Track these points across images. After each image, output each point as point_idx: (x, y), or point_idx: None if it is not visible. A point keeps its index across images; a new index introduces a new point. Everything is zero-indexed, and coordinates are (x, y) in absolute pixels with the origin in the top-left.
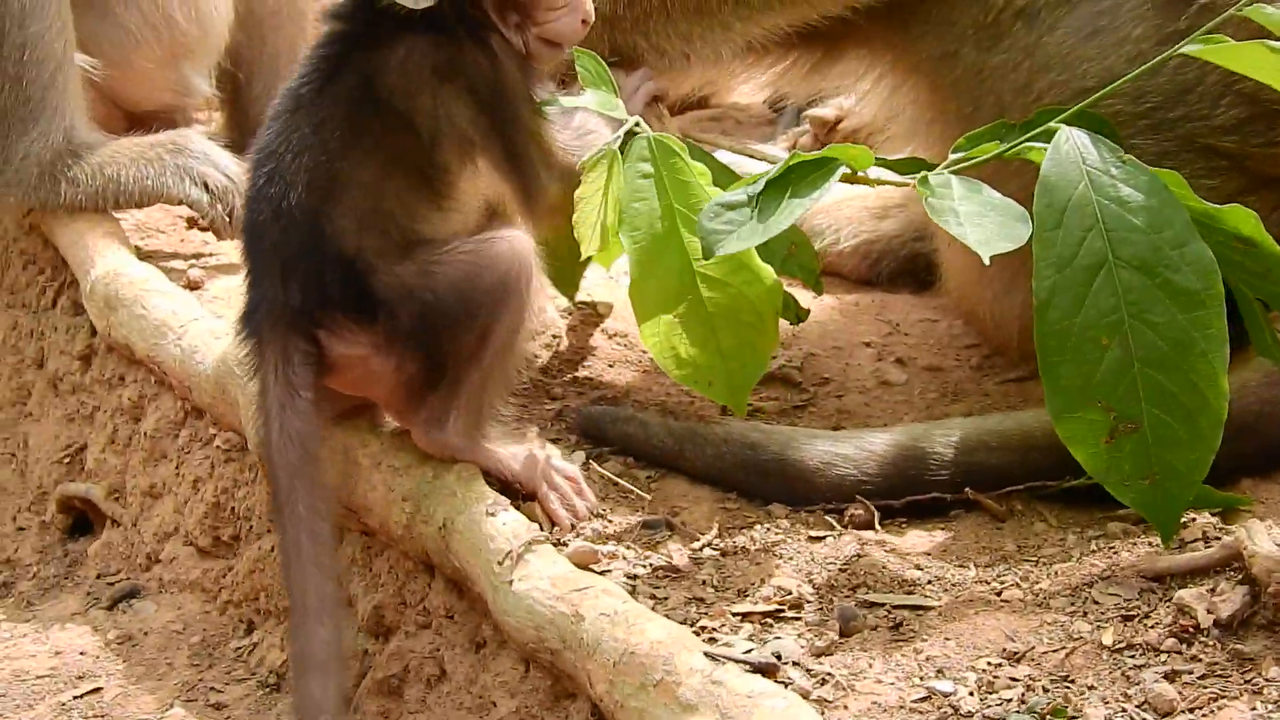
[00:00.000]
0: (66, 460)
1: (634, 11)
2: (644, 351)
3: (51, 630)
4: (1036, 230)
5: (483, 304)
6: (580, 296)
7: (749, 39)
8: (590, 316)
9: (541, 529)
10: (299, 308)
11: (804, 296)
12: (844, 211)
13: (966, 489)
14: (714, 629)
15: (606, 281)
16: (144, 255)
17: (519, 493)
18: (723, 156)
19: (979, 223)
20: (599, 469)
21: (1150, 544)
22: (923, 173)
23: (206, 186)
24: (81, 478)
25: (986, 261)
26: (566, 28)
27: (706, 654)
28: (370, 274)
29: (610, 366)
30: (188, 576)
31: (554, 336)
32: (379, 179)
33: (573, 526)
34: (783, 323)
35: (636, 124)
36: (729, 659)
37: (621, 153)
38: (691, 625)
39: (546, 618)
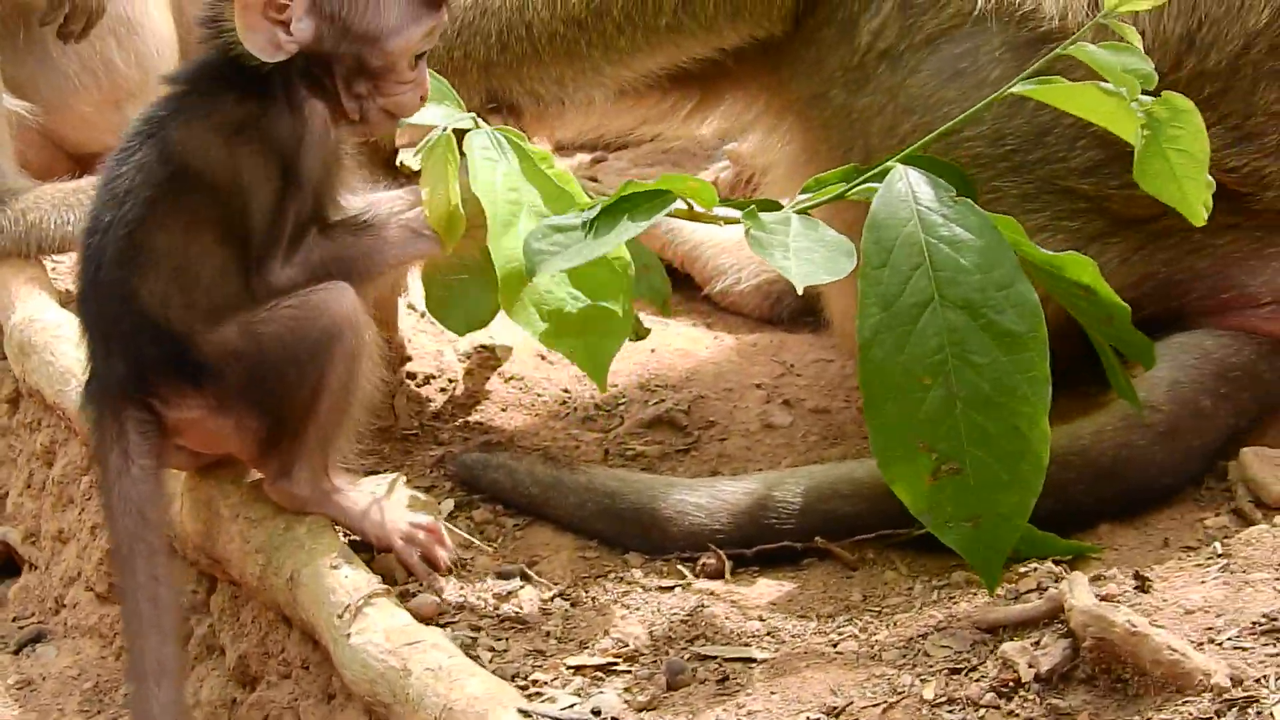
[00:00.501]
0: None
1: (507, 57)
2: (538, 395)
3: None
4: (863, 267)
5: (311, 356)
6: (481, 339)
7: (621, 83)
8: (488, 359)
9: (397, 582)
10: (125, 378)
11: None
12: (746, 250)
13: (816, 538)
14: (545, 682)
15: (508, 326)
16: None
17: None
18: None
19: (807, 257)
20: (465, 517)
21: (986, 594)
22: (751, 207)
23: None
24: (4, 521)
25: (799, 291)
26: (409, 101)
27: (521, 710)
28: (187, 340)
29: (503, 411)
30: (87, 622)
31: (450, 380)
32: (182, 244)
33: (447, 573)
34: (678, 363)
35: (475, 120)
36: (544, 715)
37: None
38: (524, 678)
39: (379, 671)
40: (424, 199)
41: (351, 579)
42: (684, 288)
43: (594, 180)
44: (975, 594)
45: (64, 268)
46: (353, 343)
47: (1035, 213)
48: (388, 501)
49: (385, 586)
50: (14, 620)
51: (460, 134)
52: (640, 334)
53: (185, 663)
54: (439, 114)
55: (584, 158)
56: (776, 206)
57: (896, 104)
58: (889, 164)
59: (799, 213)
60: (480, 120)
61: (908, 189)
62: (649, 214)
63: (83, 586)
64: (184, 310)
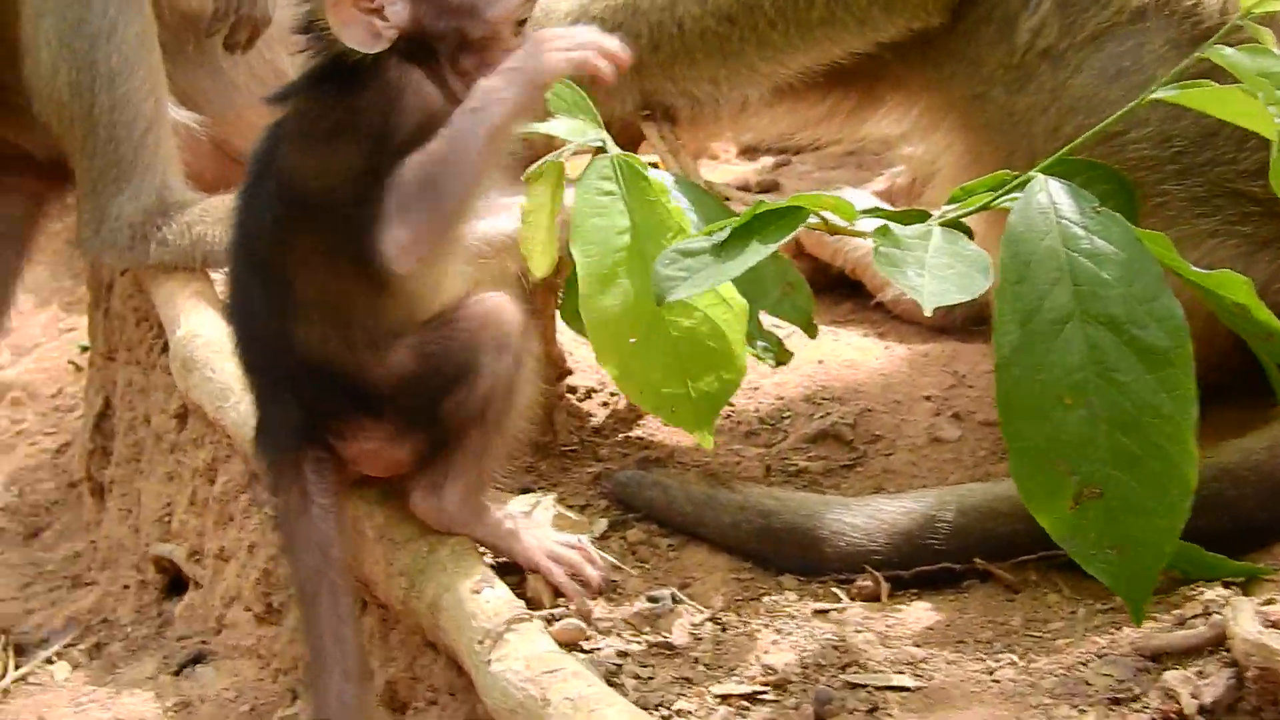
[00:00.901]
0: (166, 519)
1: (659, 57)
2: None
3: (121, 696)
4: (1000, 283)
5: (478, 369)
6: None
7: (776, 80)
8: None
9: (545, 605)
10: (299, 423)
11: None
12: None
13: (976, 559)
14: (689, 712)
15: None
16: None
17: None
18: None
19: (942, 273)
20: (619, 537)
21: (1153, 619)
22: (884, 224)
23: None
24: (171, 538)
25: (928, 313)
26: None
27: None
28: (359, 374)
29: (664, 426)
30: (246, 643)
31: (611, 394)
32: (323, 280)
33: (598, 594)
34: (846, 375)
35: (602, 142)
36: None
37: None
38: (667, 708)
39: (518, 700)
40: (520, 224)
41: (493, 604)
42: (856, 295)
43: (775, 186)
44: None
45: None
46: (518, 354)
47: (1205, 217)
48: (535, 521)
49: (528, 612)
50: (179, 640)
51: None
52: (783, 360)
53: (370, 704)
54: (567, 128)
55: (768, 160)
56: (924, 217)
57: (1059, 104)
58: (1032, 174)
59: (944, 225)
60: (609, 141)
61: (1048, 200)
62: (779, 235)
63: (242, 607)
64: (345, 346)
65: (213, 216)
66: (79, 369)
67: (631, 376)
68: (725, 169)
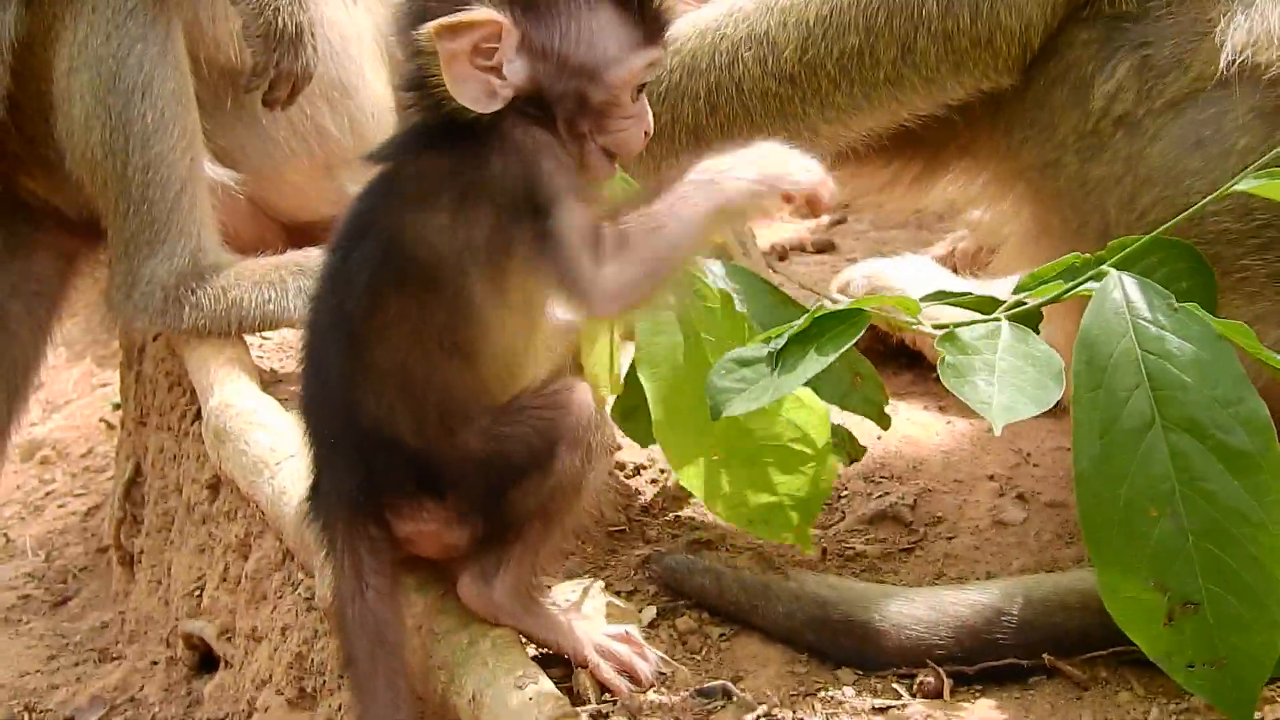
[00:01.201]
0: (197, 594)
1: (717, 119)
2: None
3: None
4: (1076, 391)
5: (551, 458)
6: None
7: (839, 143)
8: None
9: (590, 700)
10: (357, 494)
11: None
12: None
13: (1044, 654)
14: None
15: None
16: (278, 377)
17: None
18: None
19: (1013, 381)
20: (669, 625)
21: None
22: (950, 329)
23: None
24: (201, 614)
25: (997, 432)
26: (633, 138)
27: None
28: (425, 452)
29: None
30: None
31: (661, 471)
32: (406, 353)
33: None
34: (906, 451)
35: None
36: None
37: None
38: None
39: None
40: (584, 341)
41: (537, 700)
42: (916, 367)
43: (831, 246)
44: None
45: (270, 345)
46: (592, 447)
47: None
48: (582, 612)
49: (574, 709)
50: None
51: None
52: (855, 455)
53: None
54: None
55: (824, 219)
56: (994, 304)
57: (1135, 174)
58: (1105, 268)
59: (1012, 318)
60: None
61: (1122, 298)
62: (839, 343)
63: (274, 690)
64: (415, 421)
65: (249, 280)
66: (111, 427)
67: (718, 494)
68: (780, 227)
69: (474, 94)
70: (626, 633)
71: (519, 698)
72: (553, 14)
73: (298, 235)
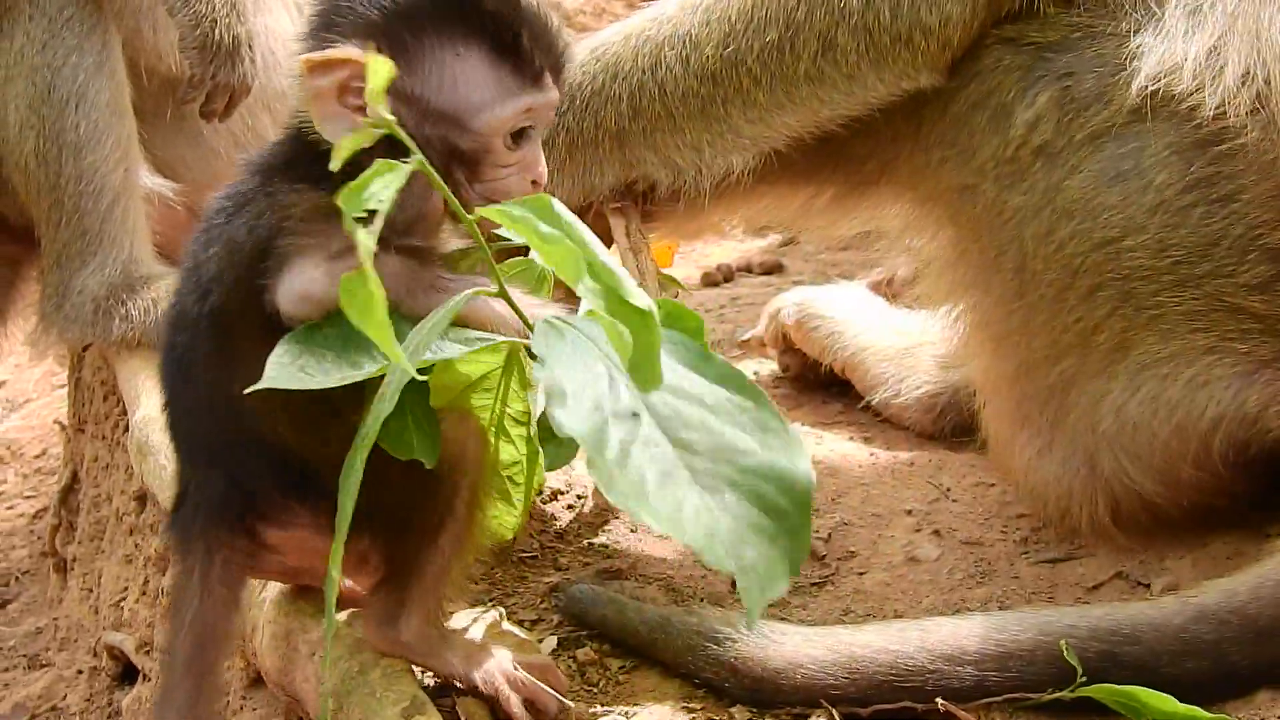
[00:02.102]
0: (122, 605)
1: (640, 123)
2: None
3: None
4: None
5: (437, 486)
6: None
7: (761, 146)
8: None
9: None
10: (224, 496)
11: None
12: (910, 360)
13: (939, 699)
14: None
15: None
16: None
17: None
18: None
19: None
20: (569, 655)
21: None
22: None
23: None
24: (123, 625)
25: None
26: (512, 187)
27: None
28: (298, 452)
29: (632, 532)
30: None
31: (578, 496)
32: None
33: None
34: (826, 483)
35: None
36: None
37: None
38: None
39: None
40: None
41: None
42: (844, 396)
43: (779, 268)
44: None
45: None
46: (479, 472)
47: (1202, 332)
48: (491, 643)
49: None
50: None
51: None
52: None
53: None
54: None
55: (775, 238)
56: None
57: (1053, 206)
58: None
59: None
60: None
61: None
62: None
63: None
64: (288, 418)
65: None
66: (64, 429)
67: None
68: (730, 246)
69: (338, 132)
70: (542, 660)
71: None
72: (419, 56)
73: None
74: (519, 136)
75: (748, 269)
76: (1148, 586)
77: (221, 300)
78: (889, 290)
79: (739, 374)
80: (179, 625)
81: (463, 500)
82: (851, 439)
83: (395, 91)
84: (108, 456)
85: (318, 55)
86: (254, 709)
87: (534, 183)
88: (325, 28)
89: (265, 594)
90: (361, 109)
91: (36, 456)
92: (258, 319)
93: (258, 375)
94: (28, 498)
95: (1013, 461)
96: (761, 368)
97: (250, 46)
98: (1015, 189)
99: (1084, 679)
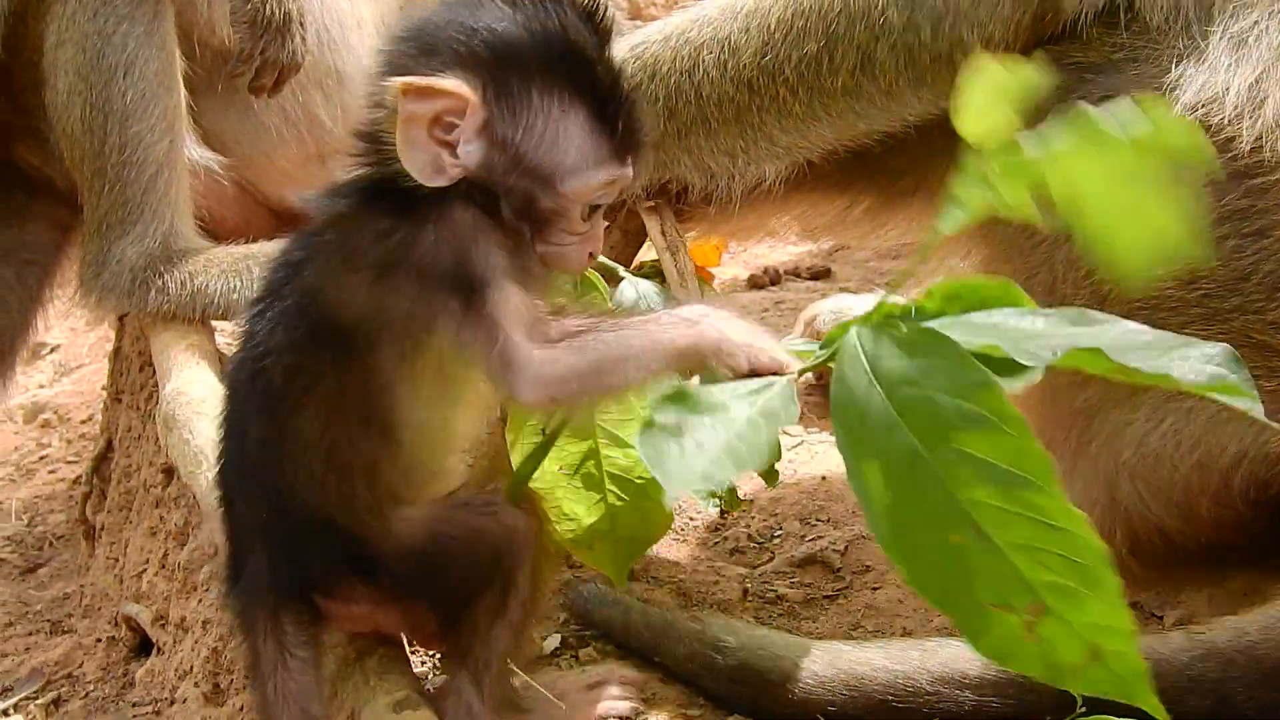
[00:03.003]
0: (143, 576)
1: (675, 125)
2: (689, 519)
3: None
4: (848, 466)
5: (497, 570)
6: None
7: (795, 157)
8: None
9: None
10: (282, 577)
11: None
12: None
13: None
14: None
15: None
16: None
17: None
18: None
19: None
20: (571, 655)
21: None
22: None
23: None
24: (141, 597)
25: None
26: (573, 257)
27: None
28: (356, 534)
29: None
30: None
31: None
32: (328, 422)
33: None
34: (846, 495)
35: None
36: None
37: None
38: None
39: None
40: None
41: None
42: None
43: (827, 273)
44: None
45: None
46: (534, 558)
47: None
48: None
49: None
50: (134, 706)
51: None
52: (731, 508)
53: None
54: None
55: (827, 243)
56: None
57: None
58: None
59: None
60: None
61: (858, 351)
62: None
63: (192, 683)
64: (343, 499)
65: (216, 268)
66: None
67: (555, 505)
68: (776, 251)
69: (421, 164)
70: (597, 678)
71: (395, 718)
72: (523, 106)
73: (287, 222)
74: (594, 208)
75: (796, 273)
76: (1161, 619)
77: (279, 379)
78: None
79: None
80: (271, 699)
81: (524, 577)
82: None
83: (490, 135)
84: (140, 427)
85: (420, 81)
86: None
87: (591, 255)
88: (428, 52)
89: None
90: (449, 145)
91: (83, 422)
92: (316, 397)
93: (311, 452)
94: (70, 463)
95: None
96: None
97: (302, 24)
98: (1047, 214)
99: (1083, 709)
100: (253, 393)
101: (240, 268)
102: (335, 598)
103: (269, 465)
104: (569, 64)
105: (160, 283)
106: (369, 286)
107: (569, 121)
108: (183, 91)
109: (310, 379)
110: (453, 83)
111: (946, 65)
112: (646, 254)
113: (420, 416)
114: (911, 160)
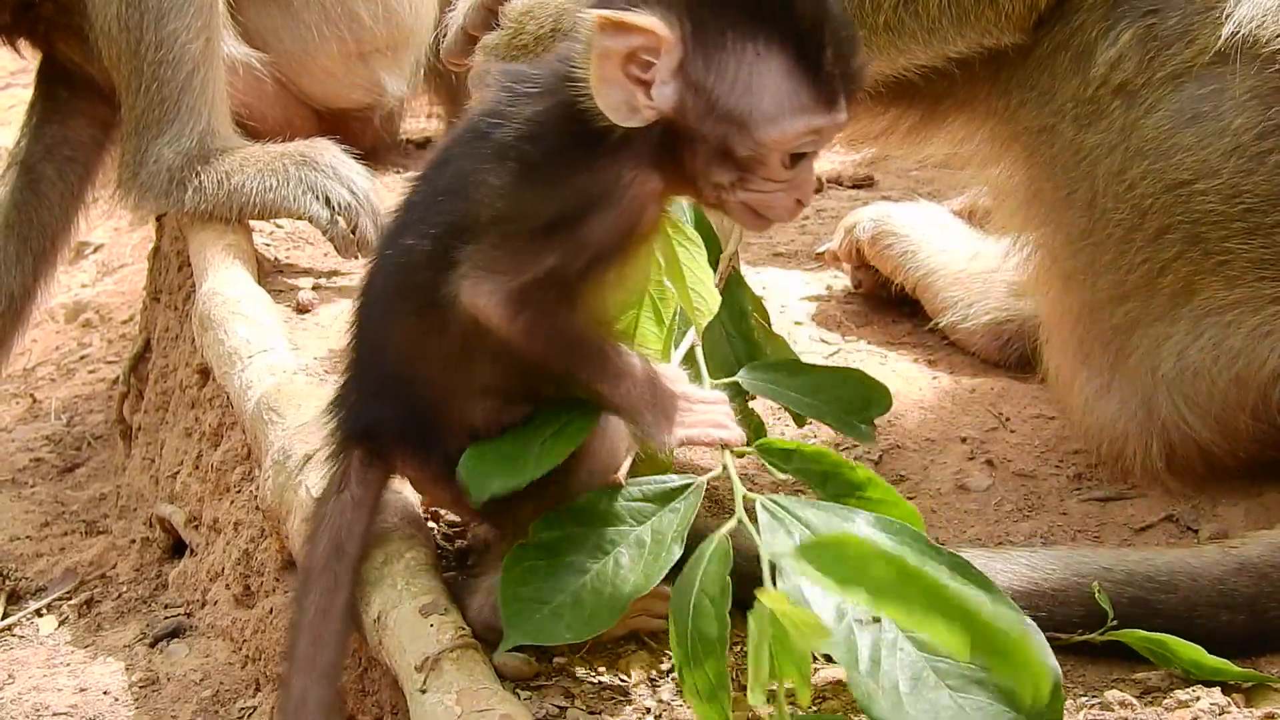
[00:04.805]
0: (176, 476)
1: None
2: None
3: (94, 663)
4: None
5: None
6: None
7: None
8: None
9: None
10: (359, 422)
11: None
12: (980, 284)
13: None
14: None
15: None
16: (280, 267)
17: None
18: None
19: None
20: None
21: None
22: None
23: (328, 201)
24: (175, 498)
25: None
26: (777, 205)
27: None
28: (428, 405)
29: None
30: (221, 623)
31: None
32: (434, 308)
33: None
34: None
35: None
36: None
37: None
38: None
39: None
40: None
41: (438, 627)
42: (914, 316)
43: (870, 181)
44: (1132, 714)
45: (280, 234)
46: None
47: (1270, 281)
48: None
49: (473, 638)
50: (165, 608)
51: None
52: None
53: (340, 712)
54: None
55: (869, 151)
56: None
57: (1128, 145)
58: None
59: None
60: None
61: None
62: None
63: (223, 584)
64: (426, 373)
65: (253, 167)
66: None
67: None
68: (826, 159)
69: (614, 102)
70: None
71: (422, 624)
72: (720, 48)
73: (329, 121)
74: (797, 156)
75: (838, 181)
76: (1196, 532)
77: (416, 248)
78: (971, 217)
79: (966, 563)
80: (316, 526)
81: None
82: (916, 361)
83: (686, 76)
84: (177, 327)
85: (616, 15)
86: (286, 591)
87: (799, 202)
88: None
89: (301, 477)
90: (644, 84)
91: (123, 322)
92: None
93: (416, 327)
94: (109, 363)
95: (1071, 399)
96: (835, 282)
97: None
98: (1092, 128)
99: (1114, 623)
100: (391, 264)
101: (276, 166)
102: (404, 461)
103: (381, 323)
104: (768, 5)
105: (197, 182)
106: (514, 198)
107: (765, 66)
108: None
109: (445, 256)
110: (649, 19)
111: (991, 5)
112: None
113: None
114: (951, 86)
